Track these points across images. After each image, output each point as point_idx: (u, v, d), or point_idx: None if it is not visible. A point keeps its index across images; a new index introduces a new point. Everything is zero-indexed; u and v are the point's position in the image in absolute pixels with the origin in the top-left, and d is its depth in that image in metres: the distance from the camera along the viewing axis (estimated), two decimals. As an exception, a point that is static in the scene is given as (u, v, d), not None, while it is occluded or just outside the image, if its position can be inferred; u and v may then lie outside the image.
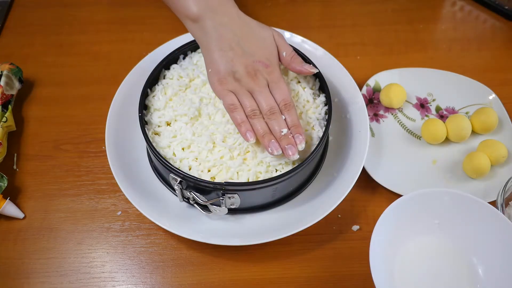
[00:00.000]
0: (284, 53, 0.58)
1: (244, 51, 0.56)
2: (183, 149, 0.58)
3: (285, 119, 0.56)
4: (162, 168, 0.57)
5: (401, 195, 0.54)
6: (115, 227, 0.61)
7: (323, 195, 0.60)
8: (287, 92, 0.57)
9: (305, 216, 0.57)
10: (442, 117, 0.70)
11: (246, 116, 0.56)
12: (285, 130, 0.55)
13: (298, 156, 0.54)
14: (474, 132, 0.67)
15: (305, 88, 0.62)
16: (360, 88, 0.69)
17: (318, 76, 0.62)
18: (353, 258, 0.58)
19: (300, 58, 0.59)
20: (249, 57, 0.56)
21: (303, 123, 0.59)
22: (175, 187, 0.55)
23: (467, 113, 0.70)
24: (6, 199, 0.60)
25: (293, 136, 0.55)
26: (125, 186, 0.58)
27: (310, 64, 0.60)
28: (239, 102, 0.56)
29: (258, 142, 0.56)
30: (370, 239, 0.49)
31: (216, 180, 0.56)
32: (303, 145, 0.55)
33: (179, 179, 0.54)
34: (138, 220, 0.61)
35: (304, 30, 0.75)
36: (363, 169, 0.62)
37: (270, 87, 0.57)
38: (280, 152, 0.54)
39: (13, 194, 0.63)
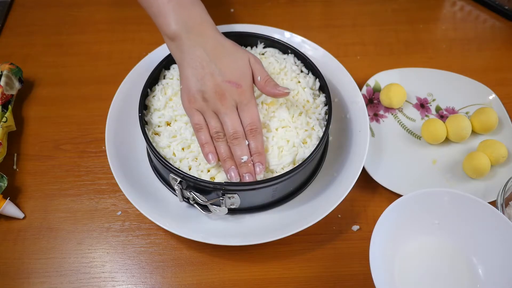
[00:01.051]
0: (259, 78, 0.57)
1: (215, 71, 0.56)
2: (183, 149, 0.58)
3: (248, 145, 0.55)
4: (162, 168, 0.57)
5: (401, 195, 0.54)
6: (115, 227, 0.61)
7: (323, 195, 0.60)
8: (255, 115, 0.56)
9: (305, 216, 0.57)
10: (442, 117, 0.70)
11: (211, 138, 0.56)
12: (245, 158, 0.54)
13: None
14: (474, 132, 0.67)
15: (305, 88, 0.62)
16: (360, 88, 0.69)
17: (318, 76, 0.62)
18: (353, 258, 0.58)
19: (274, 82, 0.57)
20: (219, 77, 0.56)
21: (303, 123, 0.59)
22: (175, 187, 0.55)
23: (467, 113, 0.70)
24: (6, 199, 0.60)
25: (253, 164, 0.55)
26: (125, 186, 0.58)
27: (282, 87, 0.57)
28: (206, 122, 0.56)
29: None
30: (370, 239, 0.49)
31: (216, 180, 0.56)
32: (262, 175, 0.55)
33: (179, 179, 0.54)
34: (138, 220, 0.61)
35: (304, 30, 0.75)
36: (363, 169, 0.62)
37: (238, 109, 0.56)
38: (238, 179, 0.54)
39: (13, 194, 0.63)
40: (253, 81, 0.58)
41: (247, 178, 0.54)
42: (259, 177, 0.55)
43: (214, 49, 0.57)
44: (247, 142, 0.55)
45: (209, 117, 0.56)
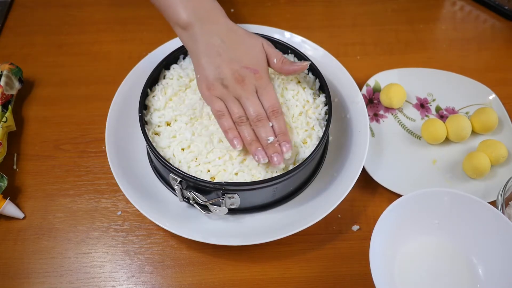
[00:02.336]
0: (274, 60, 0.58)
1: (232, 58, 0.57)
2: (183, 149, 0.58)
3: (272, 126, 0.56)
4: (162, 168, 0.57)
5: (401, 195, 0.54)
6: (115, 227, 0.61)
7: (323, 195, 0.60)
8: (275, 98, 0.57)
9: (305, 216, 0.57)
10: (442, 117, 0.70)
11: (234, 123, 0.56)
12: (271, 138, 0.55)
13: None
14: (474, 132, 0.67)
15: (305, 88, 0.62)
16: (360, 88, 0.69)
17: (318, 76, 0.62)
18: (353, 258, 0.58)
19: (289, 60, 0.59)
20: (236, 63, 0.56)
21: (303, 123, 0.59)
22: (175, 187, 0.55)
23: (467, 113, 0.70)
24: (6, 199, 0.60)
25: (279, 144, 0.55)
26: (125, 186, 0.58)
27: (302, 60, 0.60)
28: (227, 108, 0.56)
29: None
30: (370, 239, 0.49)
31: (216, 180, 0.56)
32: (290, 154, 0.55)
33: (179, 179, 0.54)
34: (138, 220, 0.61)
35: (304, 30, 0.75)
36: (363, 169, 0.62)
37: (258, 93, 0.57)
38: (266, 160, 0.54)
39: (13, 194, 0.63)
40: (269, 64, 0.59)
41: (275, 159, 0.54)
42: (287, 155, 0.54)
43: (228, 36, 0.57)
44: (270, 124, 0.56)
45: (231, 102, 0.56)
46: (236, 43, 0.58)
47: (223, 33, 0.57)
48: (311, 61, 0.61)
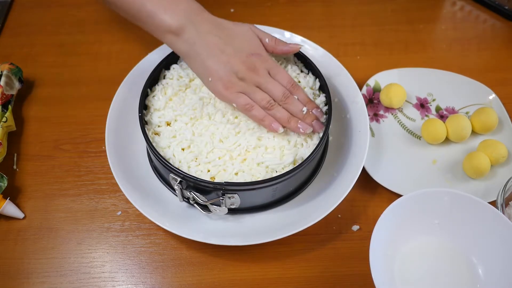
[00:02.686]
0: (267, 40, 0.59)
1: (235, 50, 0.57)
2: (183, 149, 0.58)
3: (297, 99, 0.58)
4: (162, 168, 0.57)
5: (401, 195, 0.54)
6: (115, 227, 0.61)
7: (323, 195, 0.60)
8: (288, 74, 0.59)
9: (305, 216, 0.57)
10: (442, 117, 0.70)
11: (264, 109, 0.57)
12: (305, 109, 0.57)
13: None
14: (474, 132, 0.67)
15: (305, 88, 0.62)
16: (360, 88, 0.69)
17: (318, 76, 0.62)
18: (353, 258, 0.58)
19: (282, 40, 0.60)
20: (241, 54, 0.57)
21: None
22: (175, 187, 0.55)
23: (467, 113, 0.70)
24: (6, 199, 0.60)
25: (312, 112, 0.58)
26: (125, 186, 0.58)
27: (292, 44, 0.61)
28: (252, 99, 0.57)
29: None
30: (370, 239, 0.49)
31: (216, 180, 0.56)
32: (324, 116, 0.58)
33: (179, 179, 0.54)
34: (138, 220, 0.61)
35: (304, 30, 0.75)
36: (363, 169, 0.62)
37: (271, 75, 0.58)
38: (311, 129, 0.57)
39: (13, 194, 0.63)
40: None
41: (316, 126, 0.57)
42: (323, 119, 0.58)
43: (221, 31, 0.57)
44: (296, 96, 0.58)
45: (254, 92, 0.57)
46: (230, 35, 0.57)
47: (215, 29, 0.57)
48: (301, 46, 0.62)
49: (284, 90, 0.57)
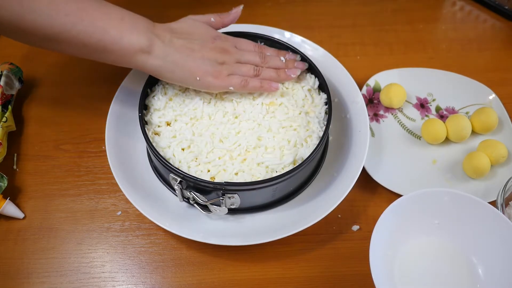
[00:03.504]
0: (212, 19, 0.61)
1: (200, 43, 0.58)
2: (183, 149, 0.58)
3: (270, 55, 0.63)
4: (162, 168, 0.57)
5: (401, 195, 0.54)
6: (115, 227, 0.61)
7: (323, 195, 0.60)
8: (248, 40, 0.63)
9: (305, 216, 0.57)
10: (442, 117, 0.70)
11: (255, 77, 0.60)
12: (282, 58, 0.62)
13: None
14: (474, 132, 0.67)
15: (304, 87, 0.62)
16: (360, 88, 0.69)
17: (318, 76, 0.62)
18: (353, 258, 0.58)
19: (224, 13, 0.63)
20: (207, 43, 0.59)
21: (303, 123, 0.59)
22: (175, 187, 0.55)
23: (467, 113, 0.70)
24: (6, 199, 0.60)
25: (287, 58, 0.63)
26: (125, 186, 0.58)
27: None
28: (242, 75, 0.59)
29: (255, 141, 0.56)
30: (370, 239, 0.49)
31: (216, 180, 0.56)
32: (299, 56, 0.64)
33: (179, 179, 0.54)
34: (138, 220, 0.61)
35: (304, 30, 0.75)
36: (363, 169, 0.62)
37: (238, 48, 0.61)
38: (299, 71, 0.62)
39: (13, 194, 0.63)
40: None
41: (300, 65, 0.62)
42: (298, 58, 0.64)
43: (178, 33, 0.59)
44: (268, 53, 0.63)
45: (238, 68, 0.60)
46: (186, 33, 0.59)
47: (174, 34, 0.58)
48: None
49: (257, 53, 0.61)
